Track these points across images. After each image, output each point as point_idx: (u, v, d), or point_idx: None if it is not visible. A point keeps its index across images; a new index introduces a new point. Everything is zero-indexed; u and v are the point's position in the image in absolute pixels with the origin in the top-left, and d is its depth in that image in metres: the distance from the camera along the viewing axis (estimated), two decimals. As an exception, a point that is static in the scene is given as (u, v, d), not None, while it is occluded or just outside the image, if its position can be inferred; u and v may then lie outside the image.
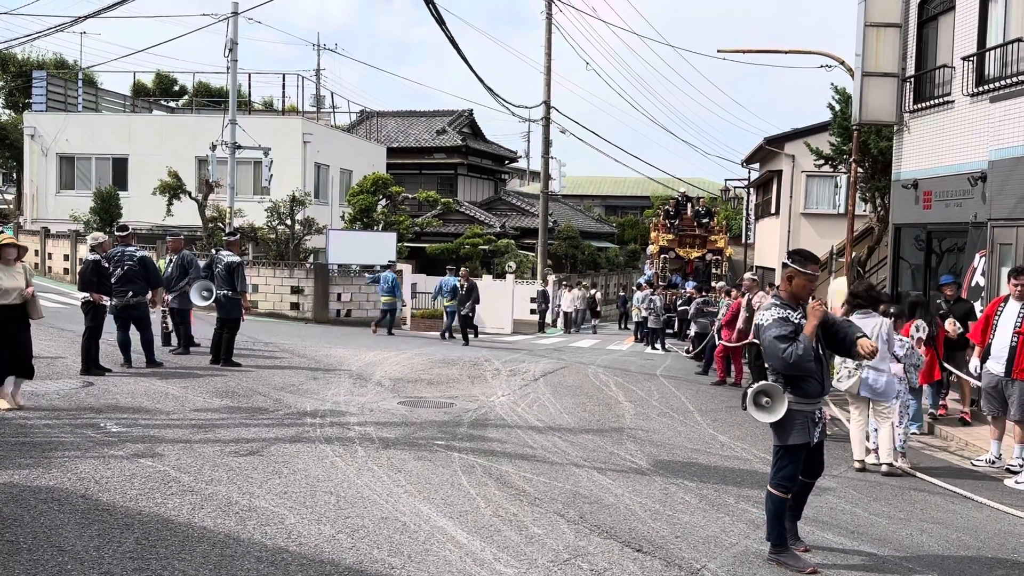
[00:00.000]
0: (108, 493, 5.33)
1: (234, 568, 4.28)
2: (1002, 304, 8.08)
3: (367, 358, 13.41)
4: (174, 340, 12.57)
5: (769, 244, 30.12)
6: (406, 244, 29.58)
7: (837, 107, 19.91)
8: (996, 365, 7.89)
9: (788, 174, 27.13)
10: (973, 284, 11.29)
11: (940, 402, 10.43)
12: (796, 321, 4.87)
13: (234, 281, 11.64)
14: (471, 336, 18.81)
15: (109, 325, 10.20)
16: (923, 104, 13.89)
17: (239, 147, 22.73)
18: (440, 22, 18.22)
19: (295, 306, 22.55)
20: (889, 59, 14.48)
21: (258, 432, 7.51)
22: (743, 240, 37.86)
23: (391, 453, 6.95)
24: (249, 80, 43.69)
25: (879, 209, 19.65)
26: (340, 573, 4.33)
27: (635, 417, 9.69)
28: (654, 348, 20.86)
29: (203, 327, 13.22)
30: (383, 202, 28.33)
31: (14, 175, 36.40)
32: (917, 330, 8.67)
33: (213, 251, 15.46)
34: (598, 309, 30.52)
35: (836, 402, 10.45)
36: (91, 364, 9.77)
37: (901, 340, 8.05)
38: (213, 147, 22.69)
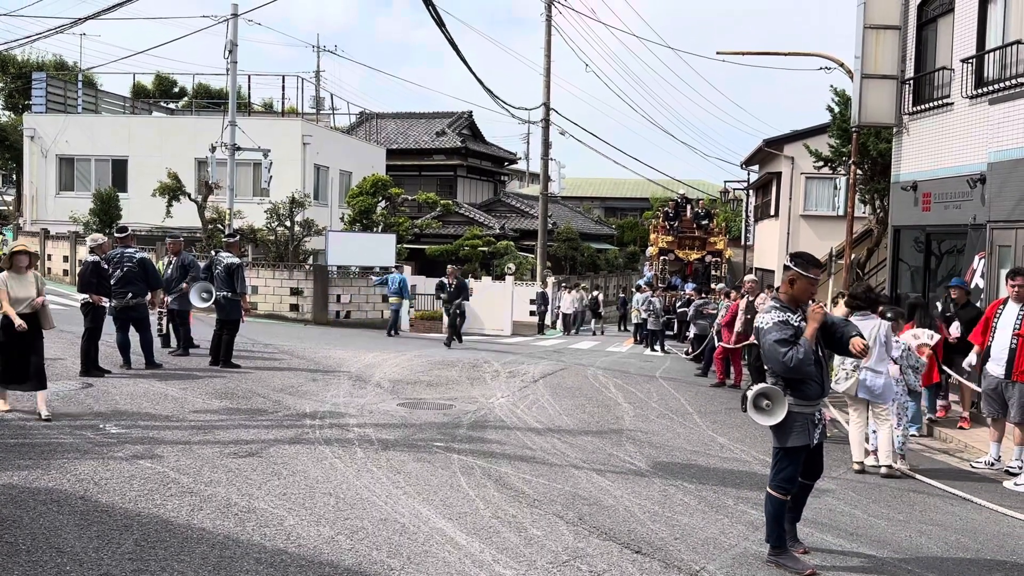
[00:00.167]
0: (107, 494, 5.33)
1: (233, 569, 4.28)
2: (1001, 306, 8.07)
3: (366, 359, 13.41)
4: (173, 341, 12.58)
5: (768, 246, 30.14)
6: (406, 246, 29.56)
7: (836, 109, 19.95)
8: (996, 367, 7.89)
9: (787, 176, 27.15)
10: (972, 286, 11.29)
11: (940, 404, 10.43)
12: (796, 324, 4.88)
13: (234, 283, 11.63)
14: (454, 341, 17.62)
15: (108, 327, 10.20)
16: (922, 106, 13.90)
17: (239, 149, 22.72)
18: (440, 24, 18.23)
19: (294, 307, 22.54)
20: (888, 61, 14.50)
21: (257, 433, 7.51)
22: (742, 242, 37.91)
23: (390, 455, 6.95)
24: (249, 82, 43.77)
25: (878, 211, 19.67)
26: (339, 574, 4.33)
27: (634, 419, 9.69)
28: (653, 350, 20.84)
29: (202, 329, 13.22)
30: (383, 204, 28.33)
31: (14, 176, 36.39)
32: (931, 338, 8.64)
33: (213, 252, 15.45)
34: (600, 311, 30.52)
35: (835, 404, 10.45)
36: (90, 365, 9.77)
37: (899, 342, 8.05)
38: (213, 149, 22.66)
